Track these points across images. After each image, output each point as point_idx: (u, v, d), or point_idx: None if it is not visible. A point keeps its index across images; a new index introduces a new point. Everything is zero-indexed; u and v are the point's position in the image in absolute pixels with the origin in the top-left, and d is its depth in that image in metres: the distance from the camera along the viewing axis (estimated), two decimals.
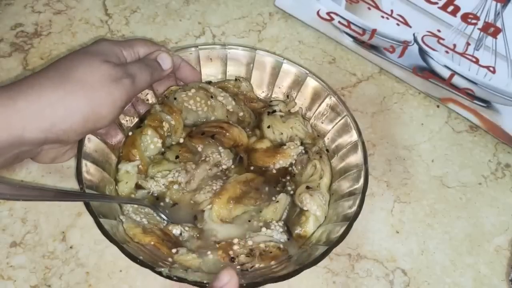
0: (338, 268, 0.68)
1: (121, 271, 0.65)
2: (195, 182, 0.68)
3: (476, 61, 0.74)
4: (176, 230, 0.64)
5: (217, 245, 0.62)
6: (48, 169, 0.72)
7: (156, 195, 0.68)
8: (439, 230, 0.73)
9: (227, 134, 0.72)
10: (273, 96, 0.79)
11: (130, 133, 0.71)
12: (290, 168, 0.71)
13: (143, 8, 0.93)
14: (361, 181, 0.64)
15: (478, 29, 0.70)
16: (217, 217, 0.65)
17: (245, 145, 0.73)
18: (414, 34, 0.78)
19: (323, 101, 0.74)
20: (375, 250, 0.70)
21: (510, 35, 0.68)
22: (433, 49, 0.78)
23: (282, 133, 0.74)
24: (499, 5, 0.66)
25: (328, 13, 0.86)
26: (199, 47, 0.75)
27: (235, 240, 0.62)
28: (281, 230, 0.65)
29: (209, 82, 0.78)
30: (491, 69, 0.73)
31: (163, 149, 0.71)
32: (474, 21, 0.70)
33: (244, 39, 0.91)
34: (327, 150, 0.73)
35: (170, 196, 0.67)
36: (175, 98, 0.74)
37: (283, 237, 0.64)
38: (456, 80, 0.79)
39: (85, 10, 0.91)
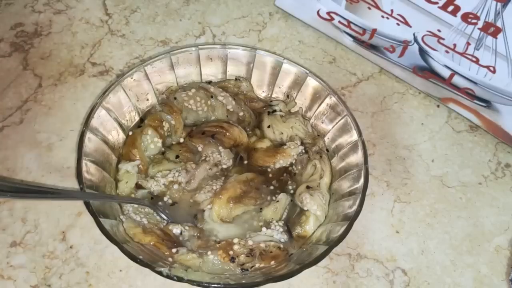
0: (338, 268, 0.68)
1: (121, 271, 0.65)
2: (195, 182, 0.68)
3: (476, 61, 0.74)
4: (176, 229, 0.64)
5: (218, 245, 0.62)
6: (48, 169, 0.72)
7: (156, 194, 0.68)
8: (439, 230, 0.73)
9: (227, 133, 0.72)
10: (273, 96, 0.79)
11: (130, 133, 0.71)
12: (290, 168, 0.71)
13: (143, 8, 0.93)
14: (361, 181, 0.64)
15: (478, 28, 0.70)
16: (217, 216, 0.65)
17: (245, 144, 0.73)
18: (414, 34, 0.78)
19: (323, 101, 0.74)
20: (375, 250, 0.70)
21: (510, 35, 0.68)
22: (433, 49, 0.78)
23: (282, 133, 0.74)
24: (499, 4, 0.66)
25: (328, 13, 0.86)
26: (199, 47, 0.75)
27: (236, 240, 0.62)
28: (281, 229, 0.65)
29: (209, 82, 0.78)
30: (491, 68, 0.73)
31: (163, 149, 0.71)
32: (474, 20, 0.70)
33: (244, 39, 0.91)
34: (327, 150, 0.73)
35: (170, 195, 0.67)
36: (175, 98, 0.74)
37: (283, 237, 0.64)
38: (456, 79, 0.79)
39: (85, 10, 0.91)
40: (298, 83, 0.76)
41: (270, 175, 0.71)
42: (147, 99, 0.75)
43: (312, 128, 0.76)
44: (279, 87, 0.78)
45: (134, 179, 0.67)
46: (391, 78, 0.88)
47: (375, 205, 0.74)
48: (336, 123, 0.72)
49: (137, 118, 0.74)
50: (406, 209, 0.74)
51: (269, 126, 0.74)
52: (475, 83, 0.76)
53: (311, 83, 0.75)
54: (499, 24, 0.68)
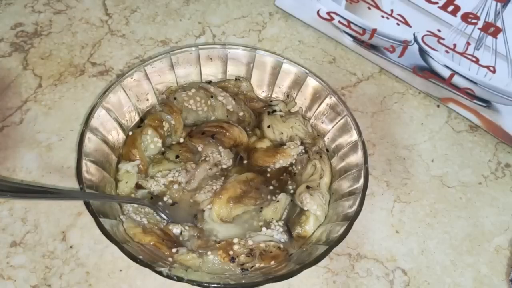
0: (338, 267, 0.68)
1: (121, 270, 0.65)
2: (195, 182, 0.68)
3: (476, 61, 0.74)
4: (176, 229, 0.64)
5: (218, 245, 0.62)
6: (48, 169, 0.72)
7: (156, 194, 0.68)
8: (439, 230, 0.73)
9: (227, 133, 0.72)
10: (273, 95, 0.79)
11: (130, 133, 0.71)
12: (290, 168, 0.71)
13: (143, 7, 0.93)
14: (361, 180, 0.64)
15: (478, 28, 0.70)
16: (217, 216, 0.65)
17: (245, 144, 0.73)
18: (414, 34, 0.78)
19: (323, 101, 0.74)
20: (375, 249, 0.70)
21: (510, 35, 0.68)
22: (433, 49, 0.78)
23: (282, 133, 0.74)
24: (499, 4, 0.66)
25: (328, 13, 0.86)
26: (199, 47, 0.75)
27: (235, 240, 0.62)
28: (281, 229, 0.65)
29: (209, 82, 0.78)
30: (491, 68, 0.73)
31: (163, 149, 0.71)
32: (474, 20, 0.70)
33: (244, 39, 0.91)
34: (327, 150, 0.73)
35: (170, 195, 0.67)
36: (175, 98, 0.74)
37: (283, 237, 0.64)
38: (456, 79, 0.79)
39: (85, 10, 0.91)
40: (298, 83, 0.76)
41: (270, 175, 0.71)
42: (147, 99, 0.75)
43: (312, 128, 0.76)
44: (279, 87, 0.78)
45: (134, 179, 0.67)
46: (391, 78, 0.88)
47: (375, 205, 0.74)
48: (336, 123, 0.72)
49: (137, 118, 0.74)
50: (406, 209, 0.74)
51: (269, 126, 0.74)
52: (475, 83, 0.76)
53: (311, 83, 0.75)
54: (499, 24, 0.68)
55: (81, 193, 0.60)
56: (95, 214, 0.57)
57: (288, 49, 0.90)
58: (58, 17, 0.89)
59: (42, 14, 0.89)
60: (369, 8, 0.80)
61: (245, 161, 0.72)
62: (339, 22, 0.86)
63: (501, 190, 0.77)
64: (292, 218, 0.67)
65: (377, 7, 0.79)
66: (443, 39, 0.75)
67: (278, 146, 0.73)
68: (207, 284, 0.55)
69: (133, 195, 0.67)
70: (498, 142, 0.82)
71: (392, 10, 0.78)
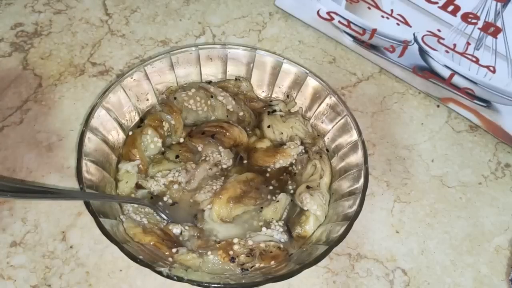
0: (338, 267, 0.68)
1: (121, 270, 0.65)
2: (195, 182, 0.68)
3: (476, 61, 0.74)
4: (176, 229, 0.64)
5: (218, 245, 0.62)
6: (48, 169, 0.72)
7: (156, 194, 0.68)
8: (439, 230, 0.73)
9: (227, 133, 0.72)
10: (273, 95, 0.79)
11: (130, 133, 0.71)
12: (290, 168, 0.71)
13: (143, 7, 0.93)
14: (361, 180, 0.64)
15: (478, 28, 0.70)
16: (217, 216, 0.65)
17: (245, 144, 0.73)
18: (414, 34, 0.78)
19: (323, 101, 0.74)
20: (375, 249, 0.70)
21: (510, 35, 0.68)
22: (433, 49, 0.78)
23: (282, 133, 0.74)
24: (499, 4, 0.66)
25: (328, 13, 0.86)
26: (199, 47, 0.75)
27: (235, 240, 0.62)
28: (281, 229, 0.65)
29: (209, 82, 0.78)
30: (491, 68, 0.73)
31: (163, 149, 0.71)
32: (474, 20, 0.70)
33: (244, 39, 0.91)
34: (327, 150, 0.73)
35: (170, 195, 0.67)
36: (175, 98, 0.74)
37: (283, 237, 0.64)
38: (456, 79, 0.79)
39: (85, 9, 0.91)
40: (298, 83, 0.76)
41: (270, 175, 0.71)
42: (147, 99, 0.75)
43: (312, 128, 0.76)
44: (279, 87, 0.78)
45: (134, 179, 0.67)
46: (391, 78, 0.88)
47: (375, 205, 0.74)
48: (336, 123, 0.72)
49: (137, 118, 0.74)
50: (406, 209, 0.74)
51: (269, 126, 0.74)
52: (475, 83, 0.76)
53: (311, 83, 0.75)
54: (499, 24, 0.68)
55: (81, 193, 0.60)
56: (95, 214, 0.57)
57: (288, 49, 0.90)
58: (58, 17, 0.89)
59: (42, 14, 0.89)
60: (369, 8, 0.80)
61: (245, 161, 0.72)
62: (339, 22, 0.86)
63: (501, 190, 0.77)
64: (292, 218, 0.67)
65: (377, 7, 0.79)
66: (443, 39, 0.75)
67: (278, 146, 0.73)
68: (207, 284, 0.55)
69: (133, 195, 0.67)
70: (498, 142, 0.82)
71: (392, 10, 0.78)
